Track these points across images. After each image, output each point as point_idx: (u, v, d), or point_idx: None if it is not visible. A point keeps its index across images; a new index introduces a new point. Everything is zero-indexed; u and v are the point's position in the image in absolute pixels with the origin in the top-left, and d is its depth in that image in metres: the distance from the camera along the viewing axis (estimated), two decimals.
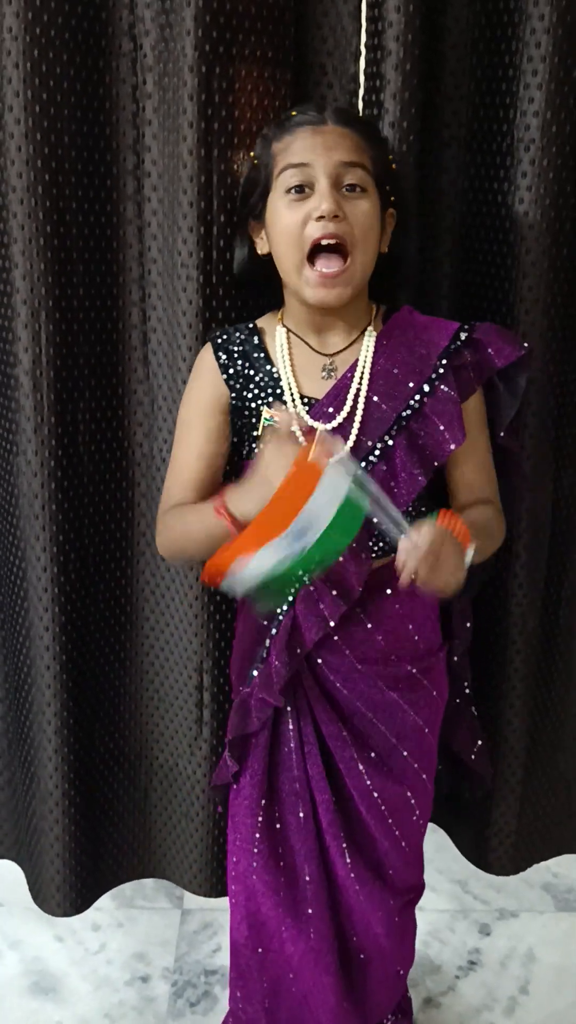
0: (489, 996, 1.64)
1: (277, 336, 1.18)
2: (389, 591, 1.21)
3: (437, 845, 1.90)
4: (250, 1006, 1.31)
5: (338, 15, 1.24)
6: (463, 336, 1.16)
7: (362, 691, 1.22)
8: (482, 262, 1.31)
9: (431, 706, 1.28)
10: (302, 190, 1.08)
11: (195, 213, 1.21)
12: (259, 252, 1.17)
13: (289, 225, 1.08)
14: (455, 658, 1.34)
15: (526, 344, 1.19)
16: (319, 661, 1.22)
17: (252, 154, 1.14)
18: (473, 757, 1.39)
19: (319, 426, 1.15)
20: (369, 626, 1.21)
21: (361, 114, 1.18)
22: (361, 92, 1.26)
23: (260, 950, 1.28)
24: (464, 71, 1.29)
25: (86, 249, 1.30)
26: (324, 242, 1.07)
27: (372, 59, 1.22)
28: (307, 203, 1.08)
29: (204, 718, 1.43)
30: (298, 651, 1.19)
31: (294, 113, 1.11)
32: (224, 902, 1.76)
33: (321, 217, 1.06)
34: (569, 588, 1.48)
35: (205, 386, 1.21)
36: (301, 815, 1.24)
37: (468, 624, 1.36)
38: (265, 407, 1.17)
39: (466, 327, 1.17)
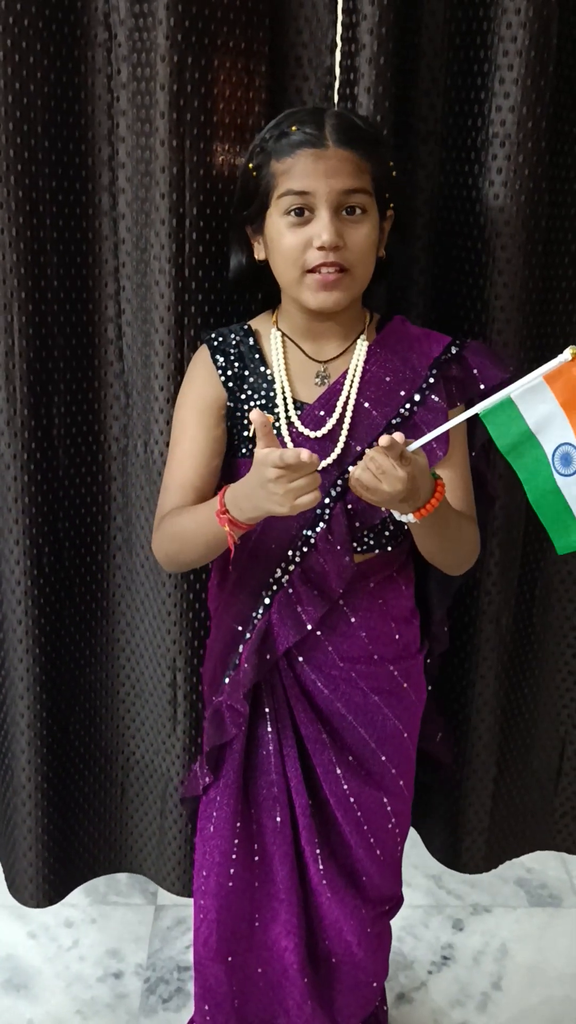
0: (462, 992, 1.64)
1: (272, 339, 1.18)
2: (372, 584, 1.21)
3: (412, 841, 1.90)
4: (220, 1014, 1.29)
5: (313, 7, 1.23)
6: (454, 350, 1.18)
7: (343, 692, 1.22)
8: (457, 258, 1.31)
9: (410, 710, 1.28)
10: (301, 213, 1.08)
11: (167, 206, 1.20)
12: (256, 257, 1.17)
13: (290, 248, 1.09)
14: (428, 660, 1.34)
15: (512, 369, 1.19)
16: (300, 659, 1.21)
17: (251, 164, 1.12)
18: (436, 743, 1.40)
19: (308, 432, 1.15)
20: (352, 620, 1.20)
21: (358, 119, 1.12)
22: (336, 86, 1.25)
23: (230, 958, 1.27)
24: (440, 65, 1.28)
25: (60, 240, 1.29)
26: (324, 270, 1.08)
27: (347, 52, 1.21)
28: (308, 228, 1.08)
29: (178, 716, 1.42)
30: (267, 656, 1.18)
31: (294, 128, 1.08)
32: None
33: (322, 247, 1.07)
34: (543, 587, 1.48)
35: (202, 387, 1.20)
36: (278, 819, 1.23)
37: (446, 628, 1.36)
38: (257, 409, 1.15)
39: (458, 342, 1.19)
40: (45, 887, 1.49)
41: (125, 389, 1.37)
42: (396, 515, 1.08)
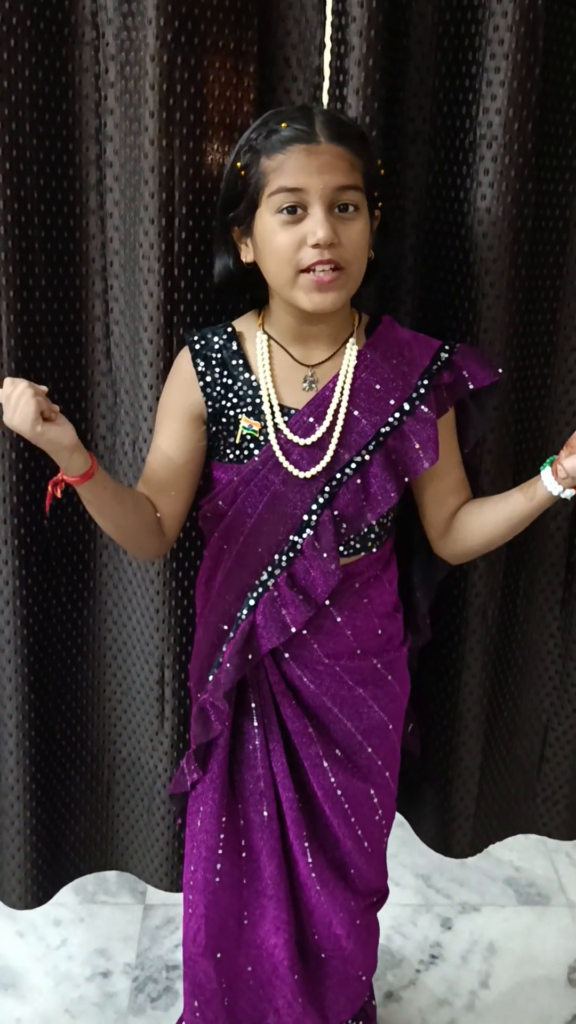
0: (450, 990, 1.65)
1: (257, 343, 1.16)
2: (358, 584, 1.21)
3: (401, 840, 1.91)
4: (210, 1010, 1.30)
5: (302, 8, 1.23)
6: (443, 357, 1.17)
7: (329, 686, 1.23)
8: (445, 257, 1.31)
9: (395, 702, 1.28)
10: (294, 210, 1.05)
11: (156, 204, 1.20)
12: (244, 260, 1.14)
13: (282, 247, 1.06)
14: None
15: (500, 370, 1.19)
16: (286, 655, 1.21)
17: (239, 164, 1.09)
18: (406, 735, 1.40)
19: (297, 439, 1.15)
20: (339, 620, 1.21)
21: (344, 117, 1.14)
22: (326, 86, 1.25)
23: (219, 955, 1.27)
24: (429, 67, 1.28)
25: (48, 239, 1.29)
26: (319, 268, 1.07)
27: (336, 53, 1.21)
28: (301, 226, 1.05)
29: (165, 713, 1.42)
30: (250, 657, 1.18)
31: (284, 125, 1.06)
32: None
33: (317, 244, 1.05)
34: (527, 578, 1.49)
35: (178, 392, 1.19)
36: (265, 813, 1.23)
37: (429, 622, 1.37)
38: (243, 415, 1.16)
39: (447, 347, 1.18)
40: (34, 888, 1.48)
41: (112, 387, 1.37)
42: (554, 489, 1.12)
